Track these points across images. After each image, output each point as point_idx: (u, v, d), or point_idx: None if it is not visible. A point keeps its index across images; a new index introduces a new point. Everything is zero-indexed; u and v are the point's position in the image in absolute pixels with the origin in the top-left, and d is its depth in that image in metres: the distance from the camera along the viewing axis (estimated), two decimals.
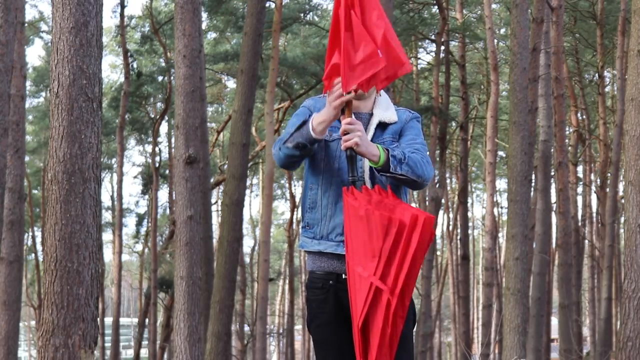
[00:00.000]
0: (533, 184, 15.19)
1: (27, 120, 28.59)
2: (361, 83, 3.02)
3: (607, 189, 19.89)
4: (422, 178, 3.17)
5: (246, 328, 29.14)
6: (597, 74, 22.61)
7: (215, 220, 28.94)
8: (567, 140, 19.57)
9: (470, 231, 36.70)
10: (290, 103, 22.11)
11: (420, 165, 3.16)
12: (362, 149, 3.05)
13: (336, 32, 3.04)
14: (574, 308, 18.34)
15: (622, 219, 16.04)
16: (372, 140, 3.22)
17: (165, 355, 23.31)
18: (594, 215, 28.38)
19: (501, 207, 36.77)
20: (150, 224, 26.53)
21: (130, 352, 42.83)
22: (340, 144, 3.24)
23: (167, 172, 25.12)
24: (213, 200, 24.42)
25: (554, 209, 18.43)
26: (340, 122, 3.27)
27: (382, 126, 3.32)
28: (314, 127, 3.10)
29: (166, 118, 25.12)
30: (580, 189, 27.92)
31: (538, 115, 14.38)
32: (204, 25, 20.80)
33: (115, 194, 28.33)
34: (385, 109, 3.32)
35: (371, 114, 3.31)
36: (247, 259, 33.53)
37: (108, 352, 26.85)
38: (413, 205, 3.36)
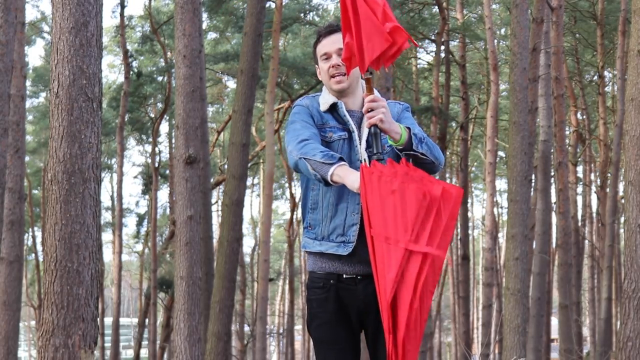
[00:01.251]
0: (533, 184, 15.19)
1: (27, 120, 28.59)
2: (372, 62, 2.99)
3: (607, 189, 19.89)
4: (438, 160, 3.18)
5: (246, 328, 29.15)
6: (597, 74, 22.61)
7: (215, 220, 28.96)
8: (567, 140, 19.57)
9: (470, 231, 36.72)
10: (291, 103, 22.11)
11: (435, 148, 3.18)
12: (386, 125, 3.00)
13: (345, 15, 3.02)
14: (574, 308, 18.34)
15: (622, 219, 16.04)
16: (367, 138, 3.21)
17: (165, 355, 23.30)
18: (594, 215, 28.37)
19: (501, 207, 36.80)
20: (150, 224, 26.54)
21: (130, 352, 42.84)
22: (340, 144, 3.24)
23: (167, 172, 25.12)
24: (213, 200, 24.40)
25: (554, 209, 18.42)
26: (339, 123, 3.27)
27: None
28: (332, 177, 3.00)
29: (166, 118, 25.13)
30: (580, 189, 27.93)
31: (538, 115, 14.38)
32: (204, 25, 20.79)
33: (115, 194, 28.33)
34: None
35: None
36: (247, 259, 33.53)
37: (108, 352, 26.84)
38: None
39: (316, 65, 3.38)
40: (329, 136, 3.25)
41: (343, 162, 3.03)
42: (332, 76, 3.25)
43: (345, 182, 2.97)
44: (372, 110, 3.01)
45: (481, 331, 21.90)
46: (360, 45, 2.98)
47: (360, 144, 3.25)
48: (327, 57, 3.27)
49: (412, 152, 3.08)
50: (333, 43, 3.25)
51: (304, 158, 3.07)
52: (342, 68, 3.22)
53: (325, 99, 3.32)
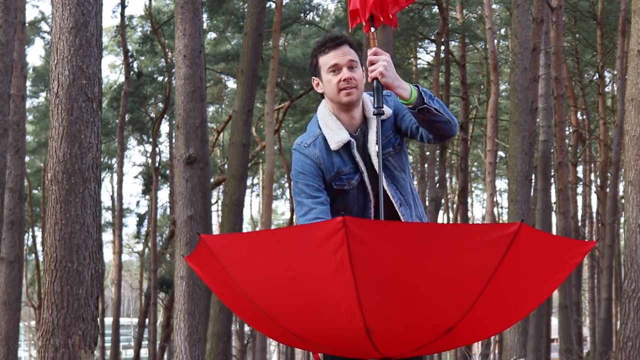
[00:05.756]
0: (533, 184, 15.19)
1: (27, 120, 28.57)
2: (376, 7, 2.96)
3: (607, 189, 19.89)
4: (453, 121, 3.01)
5: (246, 328, 29.14)
6: (597, 74, 22.61)
7: (215, 220, 28.94)
8: (567, 140, 19.57)
9: None
10: (291, 103, 22.11)
11: (447, 109, 3.00)
12: (388, 79, 2.88)
13: None
14: (574, 308, 18.34)
15: (622, 219, 16.04)
16: (375, 140, 3.06)
17: (165, 355, 23.31)
18: (594, 215, 28.37)
19: (501, 207, 36.79)
20: (150, 224, 26.54)
21: (130, 352, 42.81)
22: (358, 190, 3.11)
23: (167, 172, 25.12)
24: (213, 200, 24.41)
25: (554, 209, 18.42)
26: (352, 164, 3.11)
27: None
28: None
29: (166, 118, 25.13)
30: (580, 189, 27.92)
31: (538, 115, 14.39)
32: (204, 25, 20.80)
33: (115, 194, 28.32)
34: None
35: (365, 118, 3.15)
36: None
37: (108, 352, 26.84)
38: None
39: (314, 77, 3.15)
40: (347, 183, 3.10)
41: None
42: (343, 89, 3.04)
43: None
44: (373, 64, 2.93)
45: None
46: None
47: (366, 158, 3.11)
48: (337, 69, 3.04)
49: (425, 107, 2.90)
50: (343, 55, 3.04)
51: None
52: (353, 82, 3.03)
53: (337, 137, 3.08)
